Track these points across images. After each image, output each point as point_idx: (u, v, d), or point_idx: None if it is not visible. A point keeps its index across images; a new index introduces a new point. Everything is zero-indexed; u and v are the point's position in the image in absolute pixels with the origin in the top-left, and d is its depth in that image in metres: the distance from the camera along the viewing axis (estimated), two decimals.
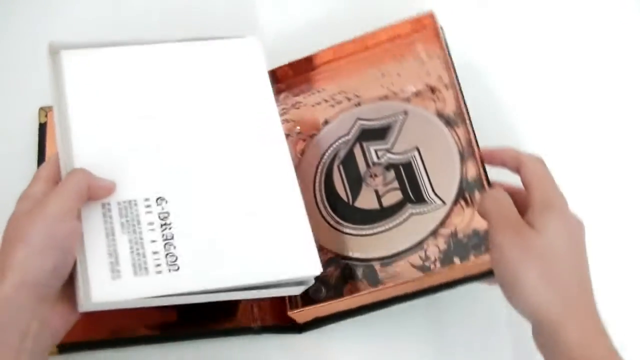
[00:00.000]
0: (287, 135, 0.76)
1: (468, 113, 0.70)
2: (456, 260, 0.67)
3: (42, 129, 0.79)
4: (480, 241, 0.66)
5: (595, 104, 0.83)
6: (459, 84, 0.71)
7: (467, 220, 0.68)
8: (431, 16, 0.75)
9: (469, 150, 0.70)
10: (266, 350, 0.72)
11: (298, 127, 0.78)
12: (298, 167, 0.74)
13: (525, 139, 0.80)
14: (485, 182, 0.66)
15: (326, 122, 0.77)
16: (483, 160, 0.67)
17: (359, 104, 0.77)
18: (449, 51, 0.73)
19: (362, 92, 0.77)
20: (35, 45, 0.82)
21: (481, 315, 0.71)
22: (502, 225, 0.59)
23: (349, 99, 0.77)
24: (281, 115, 0.78)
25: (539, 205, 0.59)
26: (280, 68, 0.79)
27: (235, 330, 0.71)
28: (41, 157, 0.77)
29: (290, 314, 0.69)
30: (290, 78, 0.80)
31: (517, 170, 0.63)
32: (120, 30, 0.86)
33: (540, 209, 0.59)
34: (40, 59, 0.75)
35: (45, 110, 0.80)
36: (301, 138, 0.77)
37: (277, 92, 0.79)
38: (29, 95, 0.81)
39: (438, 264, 0.67)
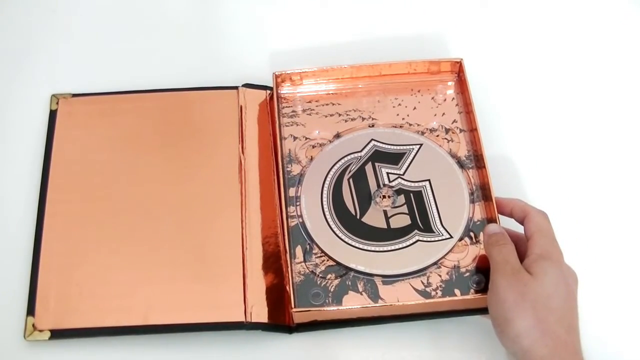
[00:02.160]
0: (295, 138, 0.76)
1: (485, 161, 0.73)
2: (457, 292, 0.69)
3: (53, 115, 0.80)
4: (481, 279, 0.69)
5: (595, 104, 0.85)
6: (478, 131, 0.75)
7: (471, 257, 0.71)
8: (460, 64, 0.79)
9: (479, 194, 0.73)
10: (254, 347, 0.71)
11: (308, 133, 0.78)
12: (306, 172, 0.74)
13: (522, 142, 0.83)
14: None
15: (338, 135, 0.78)
16: (498, 208, 0.71)
17: (373, 126, 0.78)
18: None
19: (377, 115, 0.79)
20: (49, 31, 0.87)
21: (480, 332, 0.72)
22: (502, 268, 0.64)
23: (363, 118, 0.79)
24: (290, 117, 0.78)
25: (537, 254, 0.65)
26: (296, 72, 0.80)
27: (226, 325, 0.69)
28: (49, 144, 0.78)
29: (292, 311, 0.68)
30: (305, 83, 0.81)
31: (522, 221, 0.69)
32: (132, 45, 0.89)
33: (538, 257, 0.64)
34: (55, 45, 0.86)
35: (57, 97, 0.81)
36: (311, 144, 0.77)
37: (290, 93, 0.80)
38: (42, 81, 0.84)
39: (439, 292, 0.69)
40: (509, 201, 0.71)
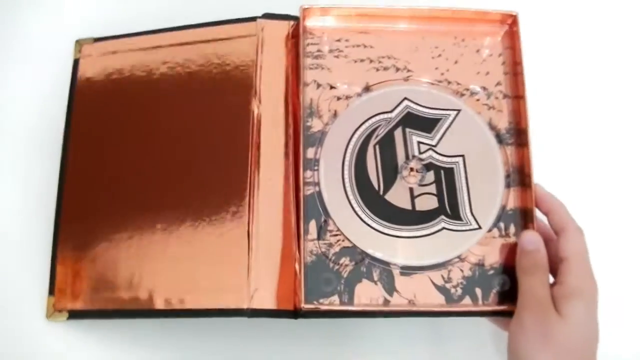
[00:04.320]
0: (318, 85, 0.67)
1: (529, 138, 0.65)
2: (477, 291, 0.64)
3: (77, 65, 0.73)
4: (505, 281, 0.64)
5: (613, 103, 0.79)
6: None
7: (498, 253, 0.65)
8: (514, 17, 0.69)
9: (516, 178, 0.66)
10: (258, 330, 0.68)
11: (334, 80, 0.68)
12: (328, 131, 0.66)
13: (575, 119, 0.76)
14: (531, 224, 0.64)
15: (368, 89, 0.68)
16: (536, 201, 0.64)
17: (407, 79, 0.68)
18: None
19: (413, 66, 0.69)
20: None
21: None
22: (528, 300, 0.60)
23: (397, 69, 0.69)
24: (315, 57, 0.68)
25: (571, 288, 0.60)
26: (328, 8, 0.69)
27: (225, 311, 0.64)
28: (72, 98, 0.72)
29: (302, 306, 0.62)
30: (333, 20, 0.70)
31: (557, 232, 0.63)
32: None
33: (571, 293, 0.59)
34: None
35: (80, 44, 0.75)
36: (335, 95, 0.67)
37: (317, 27, 0.70)
38: (67, 25, 0.78)
39: (459, 290, 0.64)
40: (549, 198, 0.64)
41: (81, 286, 0.67)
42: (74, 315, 0.67)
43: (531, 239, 0.63)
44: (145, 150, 0.69)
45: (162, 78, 0.70)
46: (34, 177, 0.73)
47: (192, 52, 0.70)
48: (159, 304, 0.65)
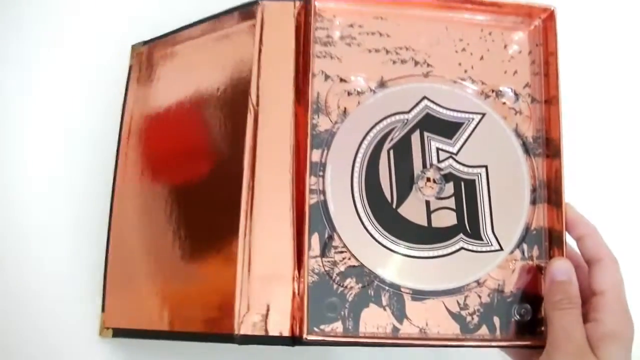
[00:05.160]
0: (327, 77, 0.58)
1: (561, 149, 0.59)
2: (495, 320, 0.57)
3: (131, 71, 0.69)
4: (527, 310, 0.58)
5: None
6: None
7: (518, 279, 0.58)
8: (551, 11, 0.61)
9: (543, 194, 0.59)
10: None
11: (345, 72, 0.59)
12: (337, 131, 0.58)
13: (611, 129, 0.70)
14: (559, 249, 0.57)
15: (383, 84, 0.60)
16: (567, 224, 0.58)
17: (427, 75, 0.60)
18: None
19: (434, 60, 0.61)
20: None
21: None
22: (563, 343, 0.54)
23: (416, 62, 0.61)
24: (324, 44, 0.59)
25: (607, 329, 0.54)
26: None
27: (212, 336, 0.57)
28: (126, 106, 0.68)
29: (305, 337, 0.54)
30: (346, 1, 0.61)
31: (589, 261, 0.56)
32: None
33: (608, 335, 0.53)
34: None
35: (135, 50, 0.70)
36: (347, 91, 0.59)
37: (328, 8, 0.61)
38: (123, 30, 0.72)
39: (475, 318, 0.57)
40: (581, 221, 0.58)
41: (124, 304, 0.64)
42: (118, 333, 0.63)
43: (562, 268, 0.56)
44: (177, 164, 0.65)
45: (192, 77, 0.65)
46: (88, 191, 0.69)
47: (202, 49, 0.64)
48: (164, 325, 0.60)
